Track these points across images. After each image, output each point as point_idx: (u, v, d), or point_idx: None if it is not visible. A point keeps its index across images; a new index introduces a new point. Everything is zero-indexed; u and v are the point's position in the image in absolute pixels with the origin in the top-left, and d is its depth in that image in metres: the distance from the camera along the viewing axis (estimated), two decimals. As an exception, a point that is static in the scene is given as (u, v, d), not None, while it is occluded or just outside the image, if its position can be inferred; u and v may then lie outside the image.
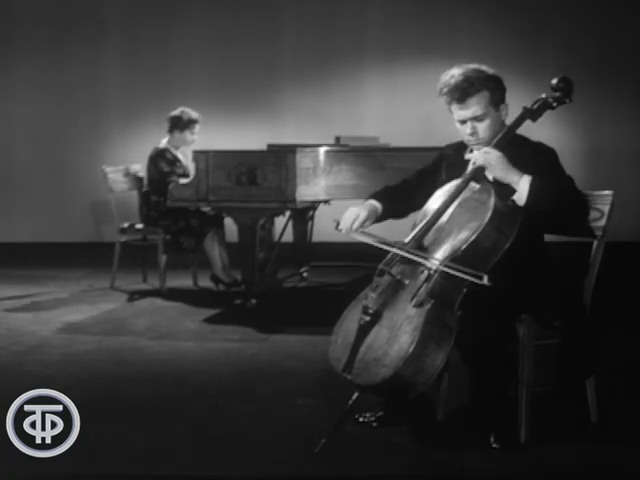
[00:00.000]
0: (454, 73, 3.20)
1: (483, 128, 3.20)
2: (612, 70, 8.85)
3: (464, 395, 3.22)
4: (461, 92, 3.16)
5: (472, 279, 2.93)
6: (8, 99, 8.91)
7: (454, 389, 3.39)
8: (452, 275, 2.98)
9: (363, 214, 3.28)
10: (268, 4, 8.91)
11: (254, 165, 5.41)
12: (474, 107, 3.17)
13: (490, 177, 3.15)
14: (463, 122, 3.22)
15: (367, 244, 3.21)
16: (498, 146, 3.16)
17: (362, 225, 3.27)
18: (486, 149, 3.14)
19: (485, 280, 2.91)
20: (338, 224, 3.28)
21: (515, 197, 3.08)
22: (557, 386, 3.44)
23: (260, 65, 8.87)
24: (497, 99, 3.22)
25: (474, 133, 3.21)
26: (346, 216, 3.29)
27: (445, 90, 3.19)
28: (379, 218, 3.37)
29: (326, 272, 6.84)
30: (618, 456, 3.11)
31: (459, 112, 3.21)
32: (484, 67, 3.25)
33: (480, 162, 3.13)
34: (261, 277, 5.83)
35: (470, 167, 3.20)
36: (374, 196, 3.42)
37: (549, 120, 8.14)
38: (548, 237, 3.30)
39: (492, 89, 3.20)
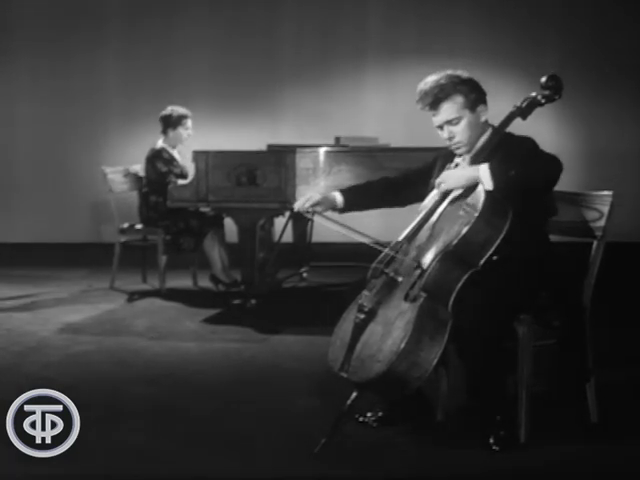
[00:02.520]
0: (427, 80, 3.25)
1: (459, 131, 3.23)
2: (612, 70, 8.84)
3: (464, 395, 3.22)
4: (432, 98, 3.21)
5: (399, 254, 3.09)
6: (8, 100, 8.90)
7: (454, 389, 3.38)
8: (444, 270, 3.00)
9: (315, 197, 3.40)
10: (268, 4, 8.91)
11: (254, 165, 5.41)
12: (446, 112, 3.21)
13: (460, 190, 3.15)
14: (440, 127, 3.27)
15: (367, 245, 3.22)
16: (487, 145, 3.19)
17: (312, 207, 3.37)
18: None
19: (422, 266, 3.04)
20: None
21: (486, 187, 3.03)
22: (557, 386, 3.44)
23: (260, 65, 8.87)
24: (472, 102, 3.23)
25: (452, 137, 3.25)
26: (302, 197, 3.42)
27: (418, 97, 3.24)
28: (342, 209, 3.47)
29: (326, 272, 6.84)
30: (618, 456, 3.11)
31: (434, 118, 3.27)
32: (459, 71, 3.27)
33: (442, 189, 3.16)
34: (261, 277, 5.83)
35: (434, 198, 3.23)
36: (342, 189, 3.52)
37: (549, 121, 8.21)
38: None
39: (465, 92, 3.22)
